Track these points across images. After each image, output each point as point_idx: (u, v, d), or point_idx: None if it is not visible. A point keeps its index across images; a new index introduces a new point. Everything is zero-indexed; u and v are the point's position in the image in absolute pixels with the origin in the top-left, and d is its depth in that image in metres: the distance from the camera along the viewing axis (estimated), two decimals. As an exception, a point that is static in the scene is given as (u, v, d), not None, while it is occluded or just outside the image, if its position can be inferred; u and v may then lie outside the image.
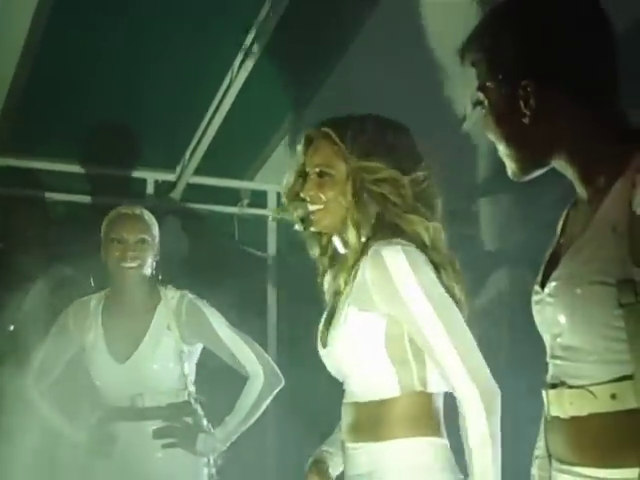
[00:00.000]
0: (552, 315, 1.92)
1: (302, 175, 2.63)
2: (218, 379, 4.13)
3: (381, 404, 2.46)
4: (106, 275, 4.06)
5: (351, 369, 2.52)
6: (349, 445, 2.54)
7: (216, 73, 5.08)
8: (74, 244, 4.66)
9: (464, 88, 4.89)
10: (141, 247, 3.96)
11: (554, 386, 1.93)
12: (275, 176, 5.90)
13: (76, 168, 5.44)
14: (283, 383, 4.01)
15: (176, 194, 5.81)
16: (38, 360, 4.09)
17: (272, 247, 6.10)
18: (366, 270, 2.43)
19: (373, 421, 2.47)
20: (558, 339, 1.92)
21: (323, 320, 2.64)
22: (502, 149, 1.99)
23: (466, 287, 2.60)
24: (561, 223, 2.09)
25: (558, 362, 1.94)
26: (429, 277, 2.43)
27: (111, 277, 4.03)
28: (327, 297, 2.69)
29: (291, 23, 4.65)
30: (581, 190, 1.97)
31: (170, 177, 5.80)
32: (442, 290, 2.45)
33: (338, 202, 2.52)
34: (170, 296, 4.01)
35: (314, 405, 5.61)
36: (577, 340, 1.87)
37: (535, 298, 2.00)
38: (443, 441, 2.51)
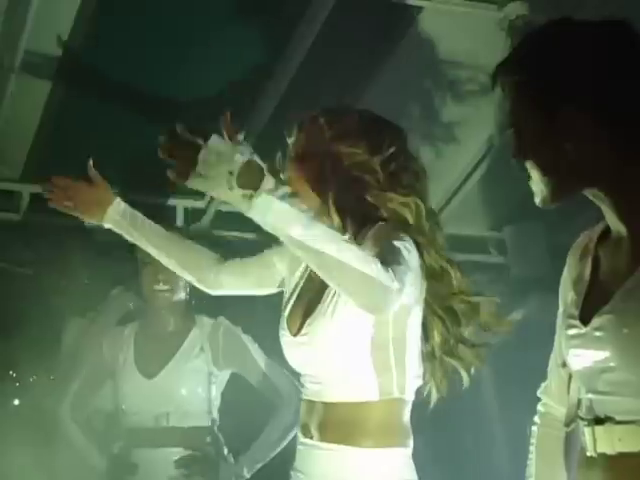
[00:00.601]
0: (599, 350, 1.89)
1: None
2: (239, 409, 4.15)
3: (358, 407, 2.42)
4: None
5: (331, 365, 2.45)
6: (319, 443, 2.47)
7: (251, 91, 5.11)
8: (112, 270, 4.70)
9: (493, 113, 4.93)
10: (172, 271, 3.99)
11: (599, 422, 1.90)
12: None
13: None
14: None
15: (205, 221, 5.83)
16: (75, 390, 4.12)
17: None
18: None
19: (349, 424, 2.42)
20: (604, 374, 1.89)
21: (291, 305, 2.57)
22: (534, 175, 1.96)
23: (449, 263, 2.55)
24: (590, 257, 2.04)
25: (603, 397, 1.91)
26: None
27: (145, 300, 4.07)
28: (294, 282, 2.63)
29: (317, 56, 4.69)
30: (616, 223, 1.95)
31: (199, 204, 5.83)
32: None
33: (314, 185, 2.47)
34: (205, 322, 4.06)
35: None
36: (631, 376, 1.84)
37: (573, 332, 1.97)
38: (410, 451, 2.49)
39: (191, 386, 3.98)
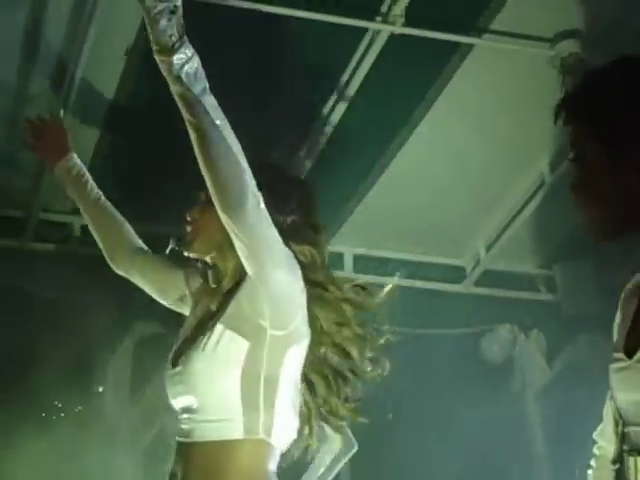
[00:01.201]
0: None
1: None
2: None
3: (223, 446, 2.36)
4: None
5: (200, 398, 2.41)
6: None
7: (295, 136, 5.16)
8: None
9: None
10: None
11: None
12: (352, 239, 5.94)
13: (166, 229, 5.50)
14: (356, 448, 4.02)
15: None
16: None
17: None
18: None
19: (214, 468, 2.36)
20: None
21: (180, 340, 2.56)
22: (589, 210, 1.98)
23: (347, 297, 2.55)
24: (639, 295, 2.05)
25: None
26: None
27: None
28: (188, 316, 2.63)
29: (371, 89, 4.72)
30: None
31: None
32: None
33: (215, 231, 2.46)
34: None
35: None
36: None
37: (617, 365, 1.98)
38: None
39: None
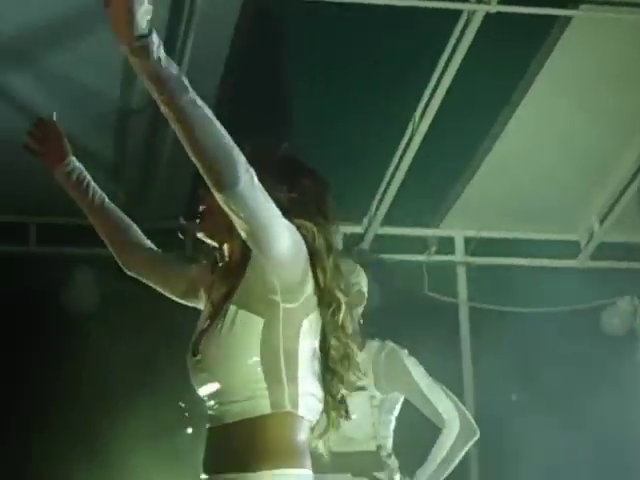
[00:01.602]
0: None
1: None
2: (415, 432, 4.13)
3: (252, 424, 2.35)
4: None
5: (224, 379, 2.40)
6: (215, 476, 2.39)
7: (398, 126, 5.16)
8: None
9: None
10: None
11: None
12: (462, 222, 5.92)
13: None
14: (478, 435, 3.97)
15: (364, 246, 5.88)
16: None
17: (463, 293, 6.07)
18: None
19: (244, 447, 2.35)
20: None
21: (198, 330, 2.52)
22: None
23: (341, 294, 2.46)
24: None
25: None
26: None
27: None
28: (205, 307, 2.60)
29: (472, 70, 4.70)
30: None
31: (358, 229, 5.89)
32: None
33: (216, 206, 2.38)
34: (372, 345, 4.06)
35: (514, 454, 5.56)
36: None
37: None
38: (305, 472, 2.40)
39: (351, 409, 3.96)
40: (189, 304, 2.75)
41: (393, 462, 4.01)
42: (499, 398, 5.73)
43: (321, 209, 2.50)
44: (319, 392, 2.44)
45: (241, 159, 2.22)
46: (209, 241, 2.48)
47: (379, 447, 4.00)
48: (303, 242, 2.39)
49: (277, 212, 2.32)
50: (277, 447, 2.35)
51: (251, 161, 2.43)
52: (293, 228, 2.37)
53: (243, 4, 4.47)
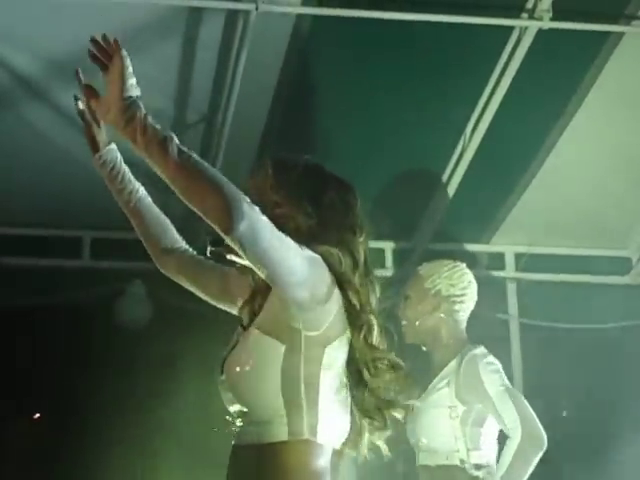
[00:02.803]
0: None
1: None
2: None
3: (268, 450, 2.34)
4: None
5: (244, 401, 2.39)
6: None
7: (448, 141, 5.17)
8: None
9: None
10: (404, 304, 4.02)
11: None
12: (512, 237, 5.90)
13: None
14: (544, 447, 3.79)
15: (414, 262, 5.87)
16: None
17: (513, 309, 6.03)
18: None
19: (259, 473, 2.33)
20: None
21: (230, 347, 2.50)
22: None
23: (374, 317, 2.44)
24: None
25: None
26: None
27: None
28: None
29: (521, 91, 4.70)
30: None
31: (407, 245, 5.88)
32: None
33: None
34: (464, 352, 3.95)
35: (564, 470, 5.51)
36: None
37: None
38: None
39: (433, 423, 3.87)
40: (224, 308, 2.72)
41: (487, 474, 3.86)
42: (549, 414, 5.68)
43: (348, 223, 2.47)
44: (344, 418, 2.41)
45: (236, 204, 2.17)
46: (240, 262, 2.43)
47: (462, 461, 3.86)
48: (326, 271, 2.35)
49: (290, 245, 2.28)
50: (295, 475, 2.33)
51: (272, 182, 2.45)
52: (314, 259, 2.33)
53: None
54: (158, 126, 2.25)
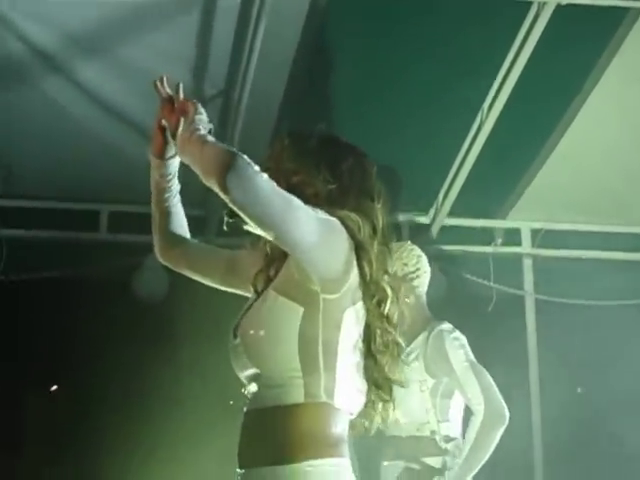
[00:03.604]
0: None
1: None
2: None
3: (284, 412, 2.33)
4: None
5: (259, 363, 2.37)
6: (241, 471, 2.37)
7: (466, 116, 5.16)
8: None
9: None
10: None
11: None
12: (529, 213, 5.89)
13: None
14: (506, 423, 3.80)
15: (430, 236, 5.88)
16: None
17: (529, 285, 6.04)
18: None
19: (275, 436, 2.32)
20: None
21: (241, 313, 2.50)
22: None
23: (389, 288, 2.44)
24: None
25: None
26: None
27: None
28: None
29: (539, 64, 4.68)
30: None
31: (424, 220, 5.89)
32: None
33: None
34: (431, 327, 4.00)
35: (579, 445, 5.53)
36: None
37: None
38: (343, 461, 2.36)
39: (402, 394, 3.88)
40: (231, 289, 2.71)
41: (455, 447, 3.91)
42: (565, 391, 5.69)
43: (365, 190, 2.47)
44: (360, 383, 2.41)
45: (230, 160, 2.21)
46: (255, 231, 2.41)
47: (433, 432, 3.92)
48: (344, 234, 2.35)
49: (299, 206, 2.28)
50: (311, 438, 2.32)
51: (289, 152, 2.47)
52: (330, 221, 2.33)
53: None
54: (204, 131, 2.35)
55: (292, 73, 4.85)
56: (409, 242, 4.24)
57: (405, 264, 4.07)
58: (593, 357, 5.68)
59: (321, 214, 2.32)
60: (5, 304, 5.52)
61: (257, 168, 2.23)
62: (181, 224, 2.75)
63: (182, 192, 2.66)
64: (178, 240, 2.75)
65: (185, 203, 2.69)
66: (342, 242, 2.35)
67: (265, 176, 2.23)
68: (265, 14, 4.39)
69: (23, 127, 5.09)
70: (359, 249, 2.38)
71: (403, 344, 2.50)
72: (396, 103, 4.99)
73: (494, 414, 3.79)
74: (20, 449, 5.83)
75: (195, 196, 5.25)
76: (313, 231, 2.29)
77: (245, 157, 2.22)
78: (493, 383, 3.86)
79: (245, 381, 2.43)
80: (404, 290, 3.98)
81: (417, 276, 4.09)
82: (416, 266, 4.09)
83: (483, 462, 3.83)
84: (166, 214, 2.72)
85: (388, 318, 2.44)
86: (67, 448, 5.72)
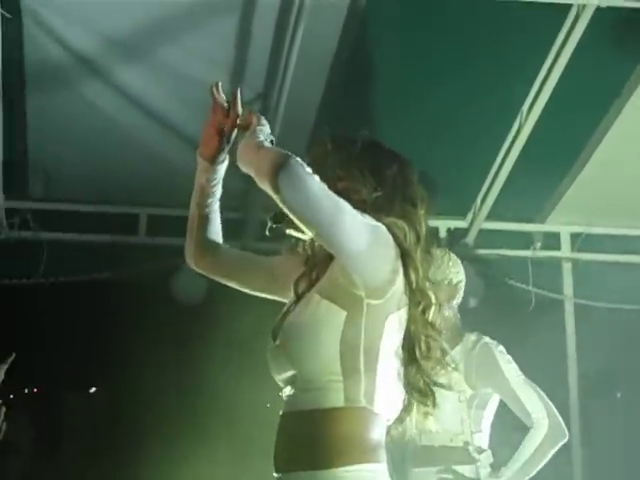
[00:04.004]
0: None
1: None
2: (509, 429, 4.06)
3: (323, 415, 2.31)
4: None
5: (300, 366, 2.36)
6: (277, 475, 2.36)
7: (504, 120, 5.14)
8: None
9: None
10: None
11: None
12: (568, 217, 5.86)
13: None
14: (567, 438, 3.85)
15: (468, 240, 5.86)
16: None
17: (568, 289, 6.00)
18: None
19: (314, 440, 2.31)
20: None
21: (280, 317, 2.49)
22: None
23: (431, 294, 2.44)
24: None
25: None
26: None
27: None
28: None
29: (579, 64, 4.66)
30: None
31: (462, 224, 5.87)
32: None
33: None
34: (470, 339, 3.99)
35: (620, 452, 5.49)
36: None
37: None
38: (381, 467, 2.34)
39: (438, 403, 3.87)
40: (269, 296, 2.71)
41: (486, 458, 3.92)
42: (604, 395, 5.66)
43: (409, 196, 2.47)
44: (399, 390, 2.41)
45: (282, 160, 2.23)
46: (299, 236, 2.44)
47: (466, 443, 3.92)
48: (391, 241, 2.35)
49: (347, 210, 2.27)
50: (349, 443, 2.31)
51: (333, 157, 2.46)
52: (378, 228, 2.33)
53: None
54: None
55: (330, 77, 4.86)
56: (447, 250, 4.18)
57: (457, 272, 4.03)
58: (633, 361, 5.64)
59: (369, 220, 2.32)
60: (45, 306, 5.57)
61: (309, 170, 2.24)
62: (217, 230, 2.76)
63: (221, 195, 2.67)
64: (212, 247, 2.75)
65: (223, 207, 2.69)
66: (389, 249, 2.35)
67: (317, 178, 2.24)
68: (303, 19, 4.41)
69: (62, 131, 5.13)
70: (405, 256, 2.37)
71: (448, 349, 2.50)
72: (434, 108, 4.98)
73: (557, 429, 3.82)
74: (59, 449, 5.88)
75: (233, 201, 5.33)
76: (360, 236, 2.29)
77: (298, 159, 2.23)
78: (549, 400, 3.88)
79: (282, 384, 2.43)
80: (445, 297, 3.98)
81: (462, 287, 4.04)
82: (458, 277, 4.05)
83: (529, 477, 3.84)
84: (205, 219, 2.72)
85: (432, 325, 2.43)
86: (105, 448, 5.76)
